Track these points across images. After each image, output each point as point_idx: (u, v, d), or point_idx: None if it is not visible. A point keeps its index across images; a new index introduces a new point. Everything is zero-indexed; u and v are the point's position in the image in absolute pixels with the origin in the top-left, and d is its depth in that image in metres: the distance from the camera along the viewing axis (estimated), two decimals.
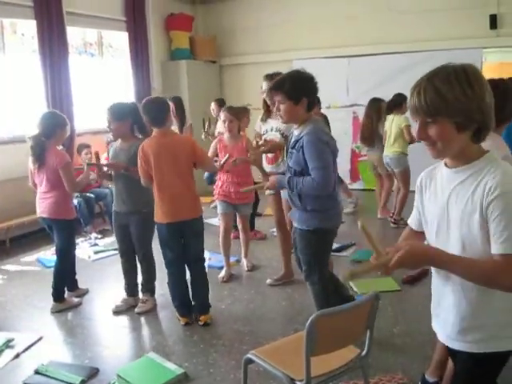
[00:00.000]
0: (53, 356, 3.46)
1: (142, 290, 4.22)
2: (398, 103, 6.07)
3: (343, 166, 8.60)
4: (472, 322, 1.61)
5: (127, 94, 8.35)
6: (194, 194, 3.81)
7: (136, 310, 4.11)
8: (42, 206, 4.18)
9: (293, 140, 3.10)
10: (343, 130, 8.50)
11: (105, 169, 4.14)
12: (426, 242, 1.75)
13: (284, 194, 4.12)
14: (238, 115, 4.73)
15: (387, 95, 6.40)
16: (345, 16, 8.52)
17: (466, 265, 1.50)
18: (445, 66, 1.52)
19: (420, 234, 1.80)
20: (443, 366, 2.63)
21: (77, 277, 4.56)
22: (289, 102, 2.98)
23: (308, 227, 3.11)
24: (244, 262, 5.03)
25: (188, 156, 3.70)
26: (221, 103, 6.80)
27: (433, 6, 7.91)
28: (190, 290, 3.91)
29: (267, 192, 4.22)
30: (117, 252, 4.54)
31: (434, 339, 1.80)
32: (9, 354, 3.53)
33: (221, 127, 6.55)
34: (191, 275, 3.90)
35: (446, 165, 1.63)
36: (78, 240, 5.78)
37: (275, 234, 4.86)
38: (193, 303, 3.91)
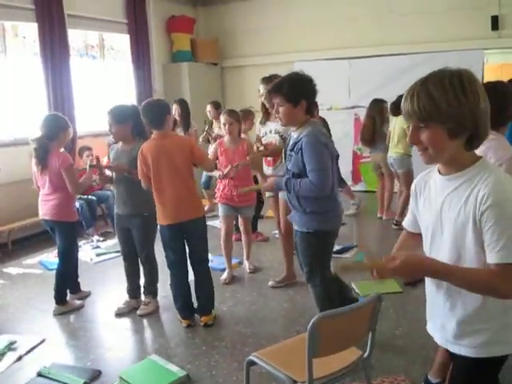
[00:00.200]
0: (55, 358, 3.47)
1: (144, 293, 4.22)
2: (400, 104, 6.07)
3: (345, 168, 8.59)
4: (467, 326, 1.61)
5: (129, 97, 8.37)
6: (194, 195, 3.82)
7: (138, 312, 4.11)
8: (45, 208, 4.19)
9: (291, 142, 3.09)
10: (345, 132, 8.51)
11: (107, 172, 4.14)
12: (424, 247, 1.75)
13: (282, 195, 4.12)
14: (241, 118, 4.73)
15: (389, 97, 6.40)
16: (346, 18, 8.53)
17: (462, 275, 1.50)
18: (441, 71, 1.50)
19: (417, 236, 1.79)
20: (446, 367, 2.62)
21: (79, 279, 4.57)
22: (288, 104, 2.98)
23: (308, 229, 3.10)
24: (246, 264, 5.02)
25: (187, 157, 3.70)
26: (216, 105, 6.83)
27: (434, 8, 7.92)
28: (193, 291, 3.91)
29: (267, 194, 4.22)
30: (119, 254, 4.54)
31: (435, 341, 1.79)
32: (11, 356, 3.53)
33: (218, 129, 6.59)
34: (195, 276, 3.91)
35: (439, 171, 1.62)
36: (80, 242, 5.78)
37: (277, 235, 4.86)
38: (196, 304, 3.92)
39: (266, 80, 4.43)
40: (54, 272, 4.34)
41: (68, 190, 4.10)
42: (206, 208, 6.31)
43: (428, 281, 1.72)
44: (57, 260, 4.34)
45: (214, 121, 6.77)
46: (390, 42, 8.18)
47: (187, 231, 3.78)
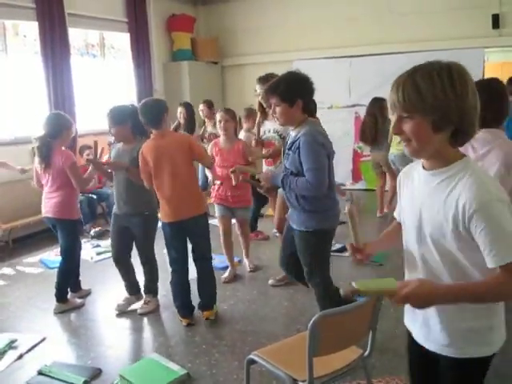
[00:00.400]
0: (56, 357, 3.47)
1: (144, 291, 4.23)
2: None
3: (345, 167, 8.61)
4: (453, 325, 1.58)
5: (129, 95, 8.37)
6: (195, 192, 3.83)
7: (139, 310, 4.12)
8: (47, 206, 4.20)
9: (289, 141, 3.10)
10: (345, 131, 8.51)
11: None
12: (404, 241, 1.71)
13: (282, 191, 4.11)
14: (244, 116, 4.71)
15: (380, 96, 6.42)
16: (346, 16, 8.52)
17: (473, 292, 1.46)
18: (430, 63, 1.47)
19: None
20: None
21: (80, 278, 4.57)
22: (284, 104, 2.98)
23: (307, 228, 3.10)
24: (246, 262, 5.02)
25: (186, 154, 3.70)
26: (210, 105, 6.83)
27: (434, 6, 7.91)
28: (195, 288, 3.92)
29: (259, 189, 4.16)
30: None
31: (414, 336, 1.76)
32: (12, 354, 3.53)
33: (211, 128, 6.59)
34: (198, 273, 3.93)
35: (423, 166, 1.60)
36: (82, 241, 5.78)
37: (277, 234, 4.85)
38: (196, 303, 3.94)
39: (263, 79, 4.43)
40: (55, 270, 4.34)
41: (71, 187, 4.13)
42: None
43: (409, 274, 1.70)
44: (58, 258, 4.35)
45: (206, 120, 6.77)
46: (390, 40, 8.17)
47: (188, 229, 3.79)
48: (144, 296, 4.22)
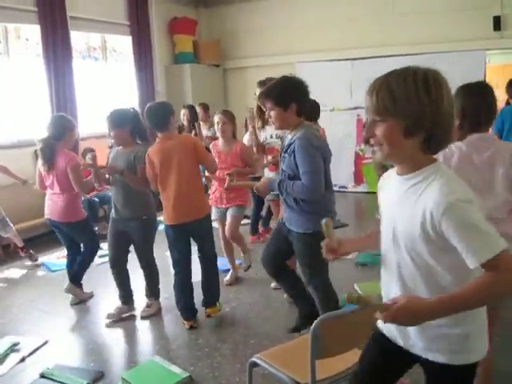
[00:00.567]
0: (58, 360, 3.47)
1: (146, 295, 4.22)
2: None
3: (347, 169, 8.61)
4: (432, 331, 1.54)
5: (131, 98, 8.38)
6: (199, 195, 3.85)
7: (141, 313, 4.12)
8: (53, 209, 4.24)
9: (286, 144, 3.12)
10: (347, 133, 8.51)
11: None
12: (381, 247, 1.68)
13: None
14: (249, 117, 4.69)
15: None
16: (347, 19, 8.52)
17: (463, 300, 1.42)
18: (407, 68, 1.47)
19: None
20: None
21: (82, 281, 4.56)
22: (278, 108, 3.01)
23: (306, 230, 3.10)
24: (242, 259, 4.89)
25: (191, 155, 3.72)
26: (205, 107, 6.83)
27: (435, 8, 7.91)
28: (198, 291, 3.93)
29: (267, 197, 4.17)
30: None
31: (386, 333, 1.74)
32: (14, 357, 3.53)
33: (206, 131, 6.59)
34: (203, 272, 3.97)
35: (397, 171, 1.59)
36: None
37: None
38: (196, 303, 3.97)
39: (262, 83, 4.43)
40: (58, 273, 4.36)
41: (74, 189, 4.14)
42: None
43: (384, 277, 1.67)
44: (59, 261, 4.37)
45: (202, 123, 6.78)
46: (391, 43, 8.17)
47: (192, 231, 3.81)
48: (134, 305, 4.21)
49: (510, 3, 7.51)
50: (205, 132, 6.67)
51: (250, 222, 6.11)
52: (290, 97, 2.98)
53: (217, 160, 4.46)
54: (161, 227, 5.73)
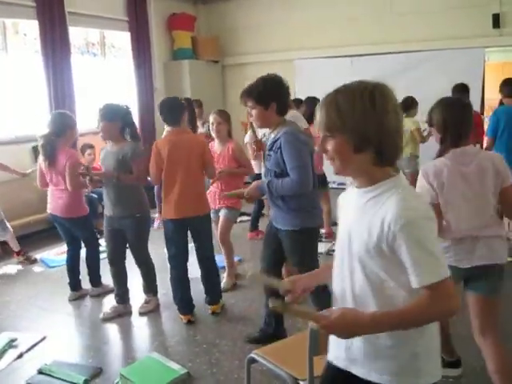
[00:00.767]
0: (56, 356, 3.47)
1: (144, 291, 4.22)
2: (408, 106, 6.09)
3: None
4: (376, 349, 1.52)
5: (130, 94, 8.37)
6: (201, 192, 3.89)
7: (139, 310, 4.12)
8: (55, 205, 4.26)
9: (269, 143, 3.13)
10: None
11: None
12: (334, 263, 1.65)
13: None
14: (229, 118, 4.63)
15: None
16: (346, 16, 8.50)
17: (401, 318, 1.41)
18: (356, 83, 1.47)
19: None
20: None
21: (80, 277, 4.56)
22: (259, 107, 3.05)
23: (294, 227, 3.09)
24: (224, 276, 4.60)
25: (199, 155, 3.78)
26: (199, 104, 6.80)
27: (434, 6, 7.90)
28: (195, 286, 3.95)
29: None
30: None
31: (331, 359, 1.71)
32: (12, 353, 3.54)
33: (200, 128, 6.57)
34: (202, 271, 4.00)
35: (355, 185, 1.58)
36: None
37: None
38: (205, 296, 4.05)
39: None
40: (56, 269, 4.37)
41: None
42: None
43: (334, 292, 1.64)
44: (58, 257, 4.37)
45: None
46: (391, 40, 8.16)
47: (192, 227, 3.84)
48: (130, 304, 4.21)
49: (509, 1, 7.50)
50: (199, 129, 6.64)
51: (251, 219, 6.12)
52: (270, 96, 3.03)
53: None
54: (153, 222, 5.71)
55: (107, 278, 4.30)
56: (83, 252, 4.56)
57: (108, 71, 8.19)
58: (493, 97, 5.62)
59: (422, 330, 1.48)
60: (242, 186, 4.47)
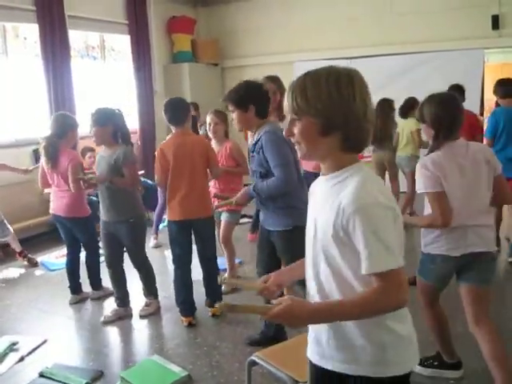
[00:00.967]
0: (57, 359, 3.47)
1: (144, 294, 4.22)
2: (410, 106, 6.10)
3: None
4: (344, 341, 1.50)
5: (129, 97, 8.38)
6: (206, 194, 3.90)
7: (140, 312, 4.12)
8: (58, 205, 4.27)
9: (252, 144, 3.18)
10: None
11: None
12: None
13: None
14: (226, 118, 4.64)
15: (390, 96, 6.44)
16: (346, 18, 8.53)
17: (350, 307, 1.40)
18: (324, 67, 1.47)
19: None
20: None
21: (81, 280, 4.56)
22: (238, 110, 3.14)
23: (285, 227, 3.09)
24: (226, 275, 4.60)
25: (203, 155, 3.80)
26: (195, 107, 6.81)
27: (434, 7, 7.91)
28: (197, 289, 3.95)
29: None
30: None
31: (308, 356, 1.68)
32: (13, 357, 3.53)
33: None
34: (204, 273, 4.01)
35: (322, 172, 1.57)
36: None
37: None
38: (205, 298, 4.06)
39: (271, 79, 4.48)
40: (57, 272, 4.36)
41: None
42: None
43: (306, 275, 1.63)
44: (58, 261, 4.38)
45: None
46: (390, 41, 8.18)
47: (196, 229, 3.85)
48: (130, 306, 4.20)
49: (509, 1, 7.51)
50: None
51: (252, 221, 6.12)
52: (248, 99, 3.11)
53: None
54: (161, 226, 5.72)
55: (108, 281, 4.30)
56: (83, 255, 4.56)
57: (108, 74, 8.20)
58: (492, 98, 5.62)
59: (391, 319, 1.47)
60: (239, 186, 4.51)
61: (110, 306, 4.30)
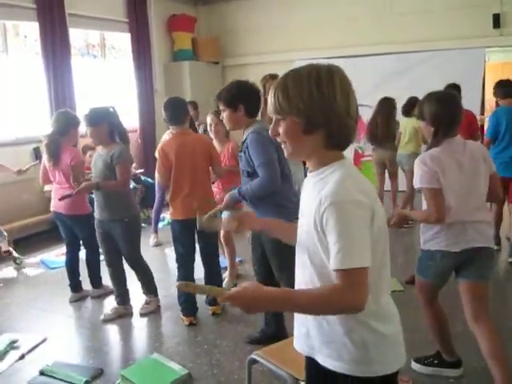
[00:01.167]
0: (57, 357, 3.47)
1: (144, 293, 4.22)
2: (412, 105, 6.11)
3: None
4: (328, 336, 1.50)
5: (130, 96, 8.38)
6: (208, 192, 3.90)
7: (140, 311, 4.12)
8: (59, 202, 4.25)
9: (241, 144, 3.20)
10: None
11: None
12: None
13: None
14: None
15: (391, 95, 6.45)
16: (347, 16, 8.53)
17: (300, 300, 1.40)
18: (305, 66, 1.47)
19: None
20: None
21: (81, 278, 4.57)
22: (228, 109, 3.17)
23: None
24: (226, 277, 4.64)
25: (205, 154, 3.81)
26: (194, 106, 6.81)
27: (435, 6, 7.91)
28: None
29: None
30: None
31: (295, 348, 1.69)
32: (13, 354, 3.54)
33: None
34: (206, 270, 4.00)
35: (309, 168, 1.58)
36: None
37: None
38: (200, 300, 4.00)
39: (263, 80, 4.47)
40: (57, 271, 4.37)
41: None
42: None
43: (296, 270, 1.63)
44: (58, 259, 4.38)
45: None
46: (391, 40, 8.18)
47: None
48: (131, 305, 4.20)
49: (510, 1, 7.51)
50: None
51: None
52: (238, 98, 3.14)
53: None
54: (161, 224, 5.73)
55: (108, 280, 4.30)
56: (83, 253, 4.56)
57: (108, 73, 8.20)
58: (493, 97, 5.63)
59: (374, 319, 1.46)
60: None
61: (110, 304, 4.30)
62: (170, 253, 4.92)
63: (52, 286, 4.79)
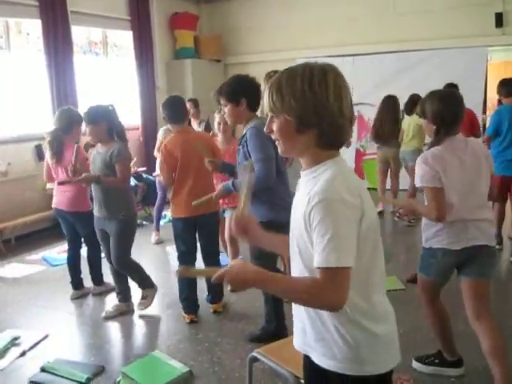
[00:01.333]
0: (59, 354, 3.48)
1: (140, 288, 4.16)
2: (414, 102, 6.11)
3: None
4: (321, 334, 1.51)
5: (132, 93, 8.38)
6: (211, 190, 3.85)
7: (138, 306, 4.11)
8: (61, 199, 4.28)
9: (240, 138, 3.22)
10: None
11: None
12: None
13: None
14: None
15: (393, 94, 6.45)
16: (348, 15, 8.52)
17: (285, 285, 1.43)
18: (300, 64, 1.47)
19: None
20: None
21: (82, 276, 4.57)
22: (230, 104, 3.17)
23: (261, 218, 3.02)
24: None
25: (209, 152, 3.76)
26: (196, 103, 6.81)
27: (437, 5, 7.90)
28: (201, 287, 3.95)
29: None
30: None
31: (294, 345, 1.71)
32: (15, 351, 3.54)
33: (196, 127, 6.57)
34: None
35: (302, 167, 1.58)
36: None
37: None
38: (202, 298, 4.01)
39: (267, 77, 4.45)
40: (58, 268, 4.36)
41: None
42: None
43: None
44: (60, 256, 4.38)
45: (192, 119, 6.73)
46: (392, 39, 8.17)
47: (201, 224, 3.85)
48: (132, 301, 4.18)
49: None
50: (195, 128, 6.64)
51: None
52: (240, 93, 3.14)
53: None
54: (163, 222, 5.73)
55: (109, 277, 4.30)
56: (84, 251, 4.57)
57: (110, 70, 8.20)
58: (495, 96, 5.62)
59: (366, 318, 1.47)
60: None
61: (111, 301, 4.31)
62: (172, 251, 4.93)
63: (53, 283, 4.79)
